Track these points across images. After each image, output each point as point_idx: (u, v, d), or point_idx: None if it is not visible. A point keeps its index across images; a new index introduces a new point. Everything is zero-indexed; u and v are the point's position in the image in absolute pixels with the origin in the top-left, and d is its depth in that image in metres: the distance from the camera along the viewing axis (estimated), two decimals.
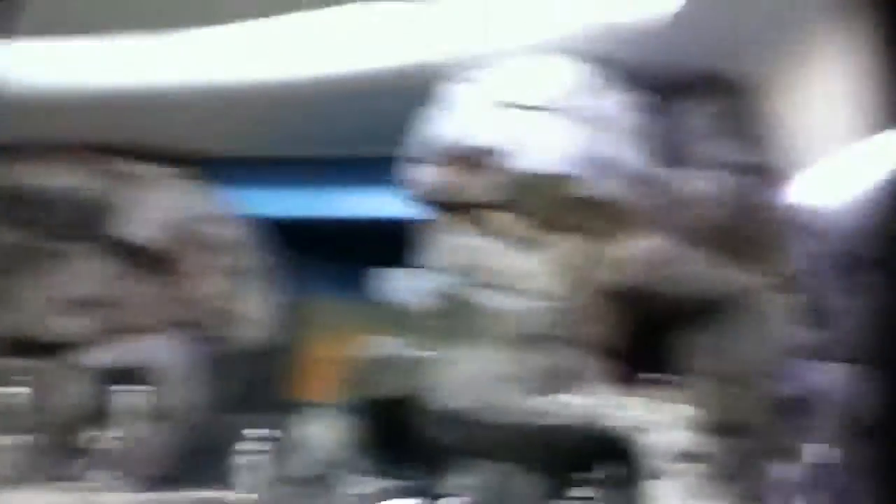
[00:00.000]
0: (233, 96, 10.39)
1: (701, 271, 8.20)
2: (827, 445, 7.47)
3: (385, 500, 7.49)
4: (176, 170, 11.69)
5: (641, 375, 8.14)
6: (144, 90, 10.45)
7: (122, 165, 11.68)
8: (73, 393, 10.27)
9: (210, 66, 9.88)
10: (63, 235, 11.43)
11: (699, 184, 8.58)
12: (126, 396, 10.12)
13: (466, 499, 7.47)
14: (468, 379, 7.92)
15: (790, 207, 8.73)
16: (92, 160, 11.58)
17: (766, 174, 8.70)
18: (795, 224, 8.67)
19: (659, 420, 7.56)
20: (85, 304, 11.16)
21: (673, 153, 9.04)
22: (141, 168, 11.70)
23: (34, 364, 10.66)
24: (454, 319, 8.35)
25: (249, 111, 10.55)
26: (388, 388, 8.15)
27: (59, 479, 9.20)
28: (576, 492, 7.64)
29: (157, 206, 11.35)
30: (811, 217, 8.88)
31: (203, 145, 11.60)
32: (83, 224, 11.42)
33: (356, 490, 7.91)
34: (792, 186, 8.77)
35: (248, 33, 9.31)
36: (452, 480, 7.74)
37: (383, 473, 8.09)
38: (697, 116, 9.20)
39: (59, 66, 10.11)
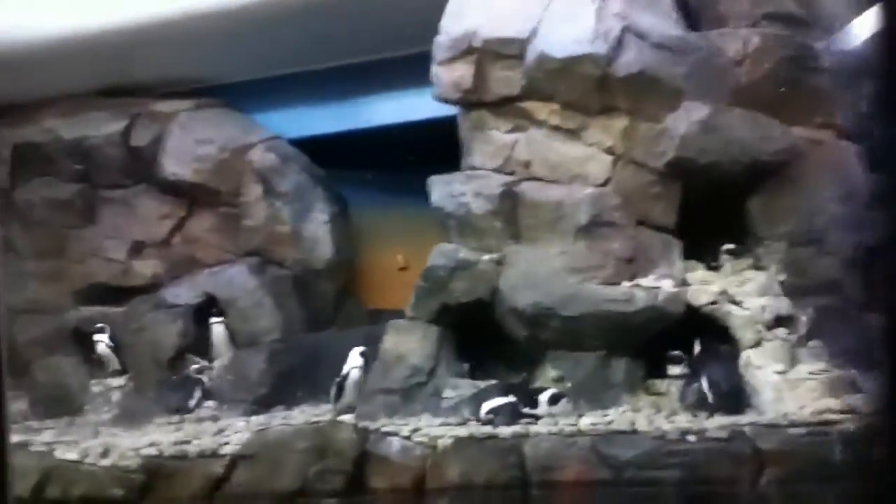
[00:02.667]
0: (243, 17, 9.63)
1: (752, 133, 7.49)
2: None
3: (482, 401, 7.18)
4: (204, 101, 11.04)
5: (719, 248, 7.63)
6: (150, 25, 9.72)
7: (151, 104, 11.06)
8: (163, 330, 10.08)
9: None
10: (114, 183, 10.98)
11: (735, 42, 7.76)
12: (214, 327, 9.91)
13: (561, 390, 7.15)
14: (537, 275, 7.49)
15: (841, 53, 7.91)
16: (121, 104, 11.00)
17: (808, 23, 7.84)
18: (849, 70, 7.88)
19: (742, 290, 7.09)
20: (151, 245, 10.82)
21: (700, 13, 8.19)
22: (170, 104, 11.06)
23: (117, 309, 10.51)
24: (512, 218, 7.86)
25: (264, 30, 9.73)
26: (462, 293, 7.74)
27: (169, 413, 9.04)
28: (672, 370, 7.28)
29: (194, 141, 10.75)
30: (865, 60, 8.08)
31: (225, 73, 10.88)
32: (131, 168, 10.91)
33: (452, 394, 7.61)
34: (842, 32, 7.92)
35: None
36: (545, 374, 7.42)
37: (476, 376, 7.80)
38: None
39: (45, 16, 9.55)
